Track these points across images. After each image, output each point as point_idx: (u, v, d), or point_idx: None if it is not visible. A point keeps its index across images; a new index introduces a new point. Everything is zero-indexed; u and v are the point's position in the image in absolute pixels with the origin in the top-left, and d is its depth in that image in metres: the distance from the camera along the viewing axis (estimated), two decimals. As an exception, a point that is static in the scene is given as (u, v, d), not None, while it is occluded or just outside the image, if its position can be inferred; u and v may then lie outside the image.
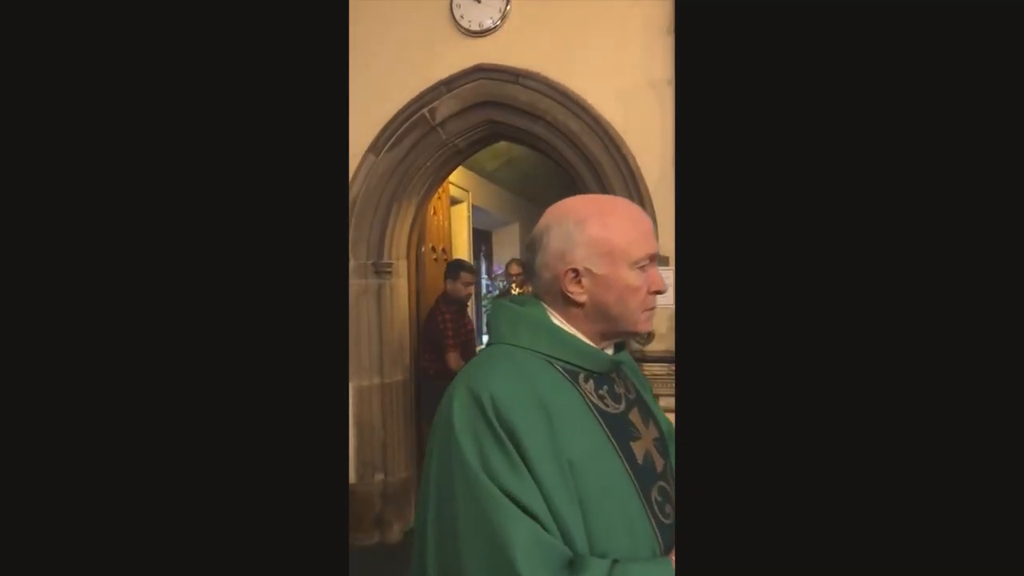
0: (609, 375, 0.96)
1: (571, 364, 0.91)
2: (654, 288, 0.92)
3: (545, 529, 0.78)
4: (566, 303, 0.92)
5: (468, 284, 3.50)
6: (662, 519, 0.89)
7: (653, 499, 0.90)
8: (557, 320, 0.93)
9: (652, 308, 0.93)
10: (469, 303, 4.00)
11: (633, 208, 0.95)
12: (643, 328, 0.94)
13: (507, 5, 2.88)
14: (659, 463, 0.94)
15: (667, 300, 2.69)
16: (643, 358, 2.67)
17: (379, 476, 3.19)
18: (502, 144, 3.48)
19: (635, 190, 2.75)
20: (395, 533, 3.18)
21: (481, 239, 6.40)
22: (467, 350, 3.47)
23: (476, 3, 2.91)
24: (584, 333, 0.93)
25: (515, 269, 4.68)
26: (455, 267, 3.57)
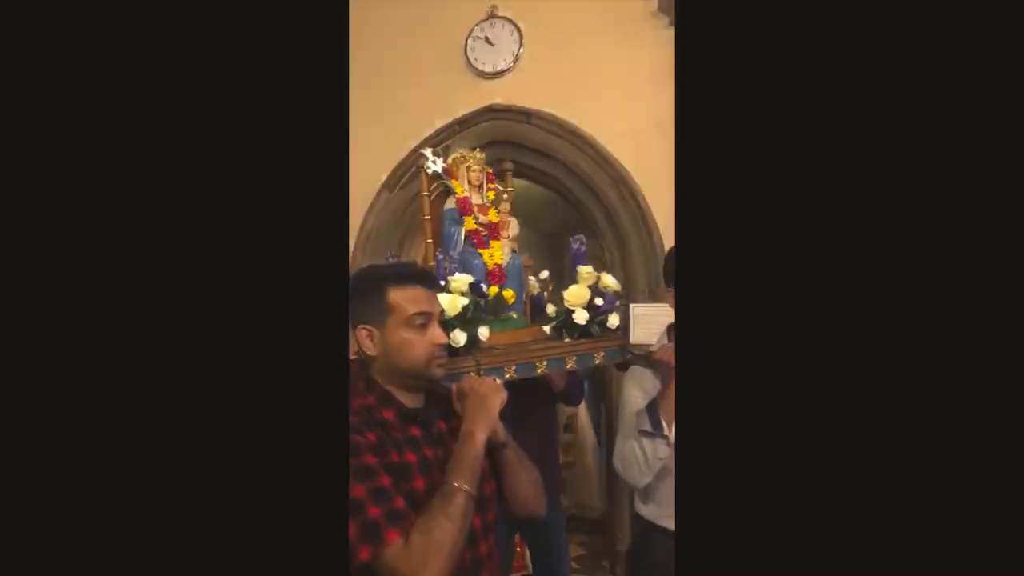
0: None
1: None
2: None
3: None
4: None
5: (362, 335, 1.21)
6: None
7: None
8: None
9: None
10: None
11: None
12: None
13: (519, 48, 2.97)
14: None
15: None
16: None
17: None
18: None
19: (644, 227, 2.81)
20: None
21: (485, 271, 6.49)
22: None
23: (490, 46, 3.00)
24: None
25: None
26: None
